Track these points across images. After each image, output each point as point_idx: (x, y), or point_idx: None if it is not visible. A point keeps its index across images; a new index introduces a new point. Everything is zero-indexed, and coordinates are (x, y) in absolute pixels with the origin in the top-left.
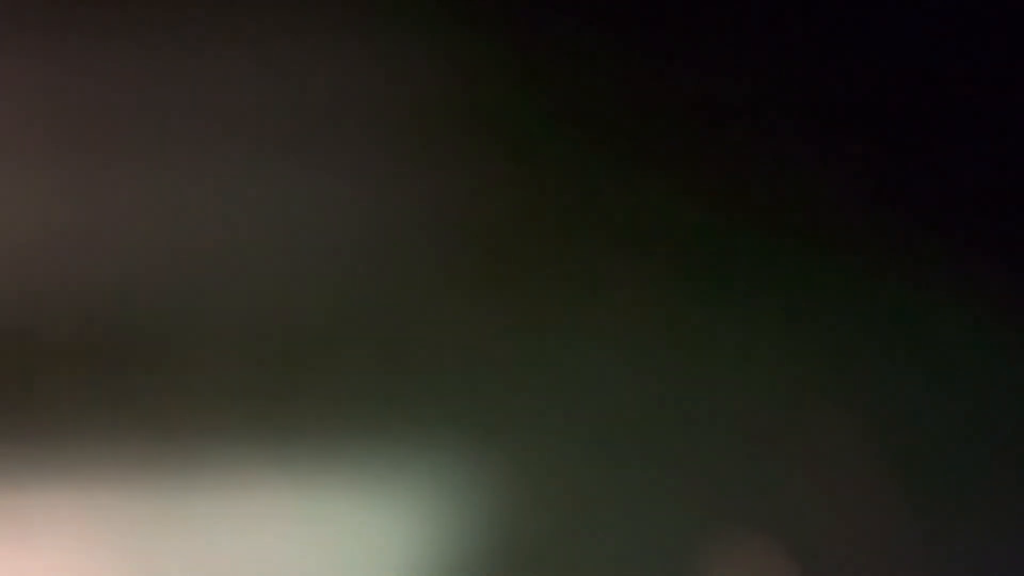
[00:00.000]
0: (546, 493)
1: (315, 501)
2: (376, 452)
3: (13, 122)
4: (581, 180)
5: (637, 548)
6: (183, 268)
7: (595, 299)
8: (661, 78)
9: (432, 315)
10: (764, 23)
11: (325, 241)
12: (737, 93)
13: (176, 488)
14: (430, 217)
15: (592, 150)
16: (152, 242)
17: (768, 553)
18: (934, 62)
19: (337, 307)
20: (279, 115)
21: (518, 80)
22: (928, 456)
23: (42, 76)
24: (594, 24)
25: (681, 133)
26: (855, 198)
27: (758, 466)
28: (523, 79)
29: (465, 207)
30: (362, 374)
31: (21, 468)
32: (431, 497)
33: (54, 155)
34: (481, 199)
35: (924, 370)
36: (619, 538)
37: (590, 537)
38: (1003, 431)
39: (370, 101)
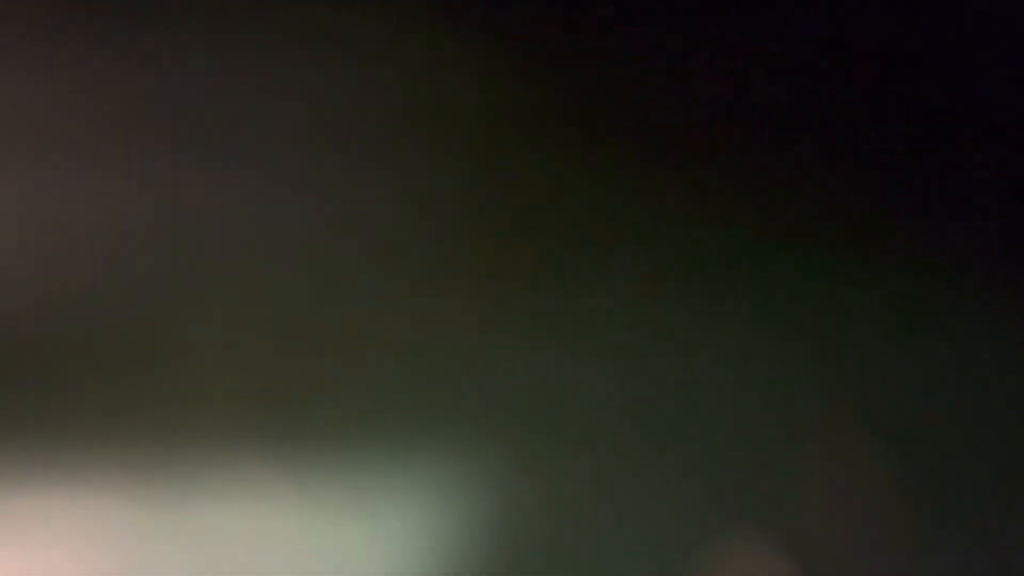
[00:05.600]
0: (546, 494)
1: (316, 505)
2: (376, 454)
3: (12, 122)
4: (581, 181)
5: (636, 548)
6: (184, 270)
7: (595, 299)
8: (657, 78)
9: (431, 316)
10: (761, 23)
11: (326, 242)
12: (734, 93)
13: (175, 491)
14: (429, 218)
15: (589, 151)
16: (153, 243)
17: (768, 553)
18: (934, 61)
19: (336, 308)
20: (277, 117)
21: (514, 80)
22: (928, 456)
23: (38, 79)
24: (593, 24)
25: (679, 133)
26: (854, 197)
27: (758, 466)
28: (520, 79)
29: (464, 207)
30: (362, 375)
31: (21, 469)
32: (431, 499)
33: (53, 155)
34: (479, 200)
35: (925, 370)
36: (618, 539)
37: (589, 538)
38: (1004, 431)
39: (367, 102)
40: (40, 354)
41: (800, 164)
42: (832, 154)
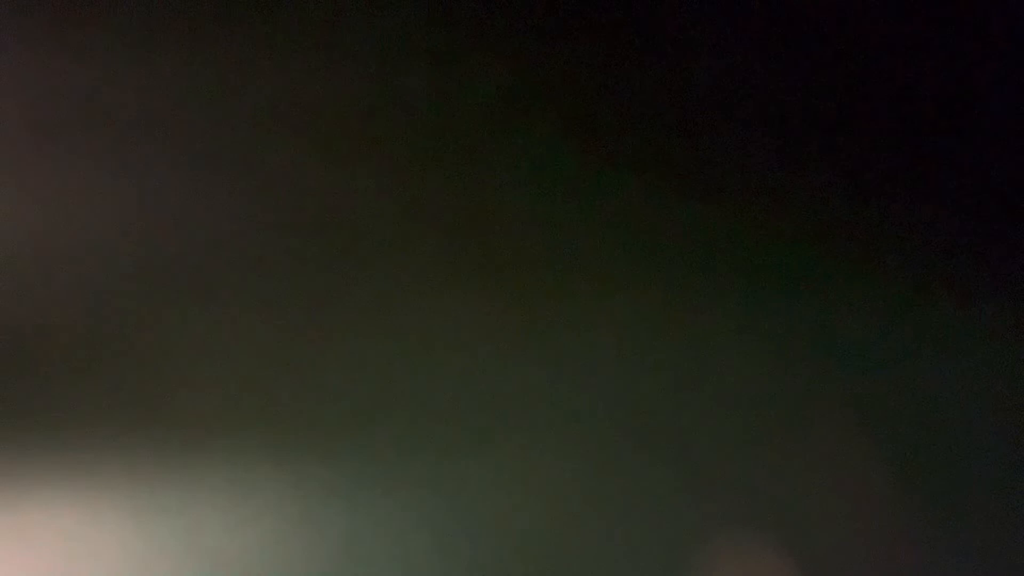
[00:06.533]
0: (545, 494)
1: (315, 505)
2: (374, 456)
3: (11, 123)
4: (580, 180)
5: (636, 549)
6: (182, 271)
7: (596, 299)
8: (656, 76)
9: (432, 315)
10: (762, 23)
11: (321, 243)
12: (738, 94)
13: (175, 491)
14: (429, 218)
15: (591, 150)
16: (152, 244)
17: (768, 553)
18: (934, 59)
19: (334, 308)
20: (271, 117)
21: (517, 82)
22: (928, 457)
23: (39, 79)
24: (592, 22)
25: (679, 132)
26: (855, 196)
27: (757, 466)
28: (519, 78)
29: (460, 208)
30: (360, 376)
31: (21, 469)
32: (429, 501)
33: (54, 156)
34: (476, 200)
35: (924, 371)
36: (618, 540)
37: (589, 539)
38: (1004, 431)
39: (362, 102)
40: (40, 354)
41: (800, 164)
42: (832, 154)
